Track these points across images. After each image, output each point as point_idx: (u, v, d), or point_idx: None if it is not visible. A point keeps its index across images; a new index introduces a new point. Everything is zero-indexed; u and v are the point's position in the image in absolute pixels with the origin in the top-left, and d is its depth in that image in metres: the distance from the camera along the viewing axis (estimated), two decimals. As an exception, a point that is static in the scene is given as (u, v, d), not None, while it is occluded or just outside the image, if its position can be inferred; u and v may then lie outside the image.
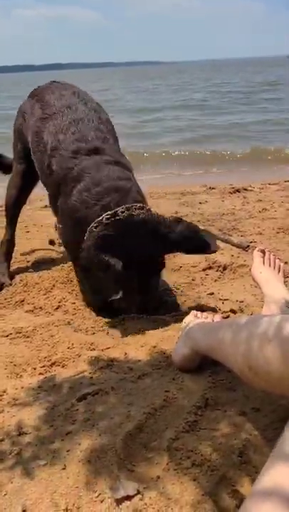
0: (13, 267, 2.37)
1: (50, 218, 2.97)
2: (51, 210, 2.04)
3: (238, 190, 4.01)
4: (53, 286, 2.04)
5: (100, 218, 1.67)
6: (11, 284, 2.13)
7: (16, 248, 2.41)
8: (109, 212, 1.66)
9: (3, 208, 2.42)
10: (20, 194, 2.34)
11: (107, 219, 1.66)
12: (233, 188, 4.08)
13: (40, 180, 2.15)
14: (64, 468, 1.01)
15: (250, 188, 4.10)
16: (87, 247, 1.67)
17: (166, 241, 1.69)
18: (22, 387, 1.32)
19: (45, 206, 3.70)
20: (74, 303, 1.93)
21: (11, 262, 2.36)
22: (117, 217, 1.65)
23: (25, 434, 1.12)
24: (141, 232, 1.65)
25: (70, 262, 2.24)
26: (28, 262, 2.46)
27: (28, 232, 3.00)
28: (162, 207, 3.52)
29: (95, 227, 1.67)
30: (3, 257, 2.32)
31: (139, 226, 1.65)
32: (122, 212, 1.66)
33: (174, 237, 1.68)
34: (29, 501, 0.95)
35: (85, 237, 1.69)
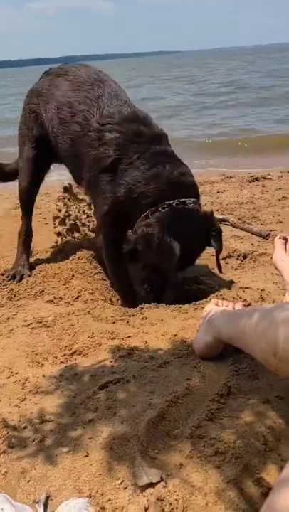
0: (33, 258, 2.37)
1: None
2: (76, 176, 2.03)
3: (256, 179, 3.95)
4: (72, 276, 2.05)
5: (168, 203, 1.74)
6: (30, 275, 2.14)
7: (35, 240, 2.42)
8: (179, 200, 1.74)
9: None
10: (33, 182, 2.27)
11: (177, 204, 1.74)
12: (251, 176, 4.02)
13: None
14: (87, 456, 1.01)
15: (268, 177, 4.03)
16: (147, 227, 1.74)
17: (209, 239, 1.82)
18: (44, 376, 1.33)
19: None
20: (93, 293, 1.93)
21: (32, 253, 2.36)
22: (185, 206, 1.74)
23: (48, 421, 1.13)
24: (198, 225, 1.77)
25: (88, 253, 2.24)
26: (47, 253, 2.47)
27: (46, 223, 3.00)
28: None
29: (162, 208, 1.74)
30: (22, 247, 2.31)
31: (199, 219, 1.77)
32: (190, 203, 1.76)
33: (214, 236, 1.82)
34: (53, 488, 0.95)
35: (143, 218, 1.77)
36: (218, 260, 1.90)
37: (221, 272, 1.93)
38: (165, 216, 1.73)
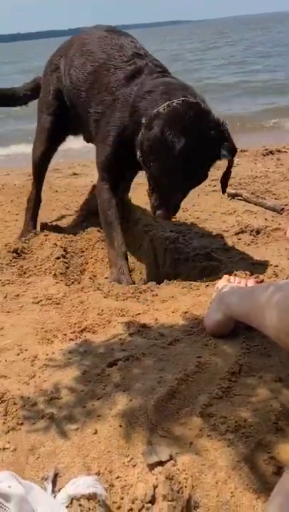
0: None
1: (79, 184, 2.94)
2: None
3: (271, 152, 3.84)
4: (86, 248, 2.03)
5: (169, 103, 1.65)
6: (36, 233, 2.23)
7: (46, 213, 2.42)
8: (188, 96, 1.66)
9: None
10: (50, 149, 2.30)
11: (184, 100, 1.65)
12: (266, 150, 3.91)
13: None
14: (96, 433, 1.00)
15: (284, 150, 3.92)
16: (150, 128, 1.64)
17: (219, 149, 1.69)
18: (53, 353, 1.32)
19: (74, 174, 3.67)
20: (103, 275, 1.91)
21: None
22: (195, 102, 1.66)
23: (57, 398, 1.12)
24: (208, 127, 1.66)
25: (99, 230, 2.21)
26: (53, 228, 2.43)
27: (57, 199, 2.97)
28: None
29: (164, 109, 1.65)
30: (29, 214, 2.37)
31: (210, 120, 1.67)
32: (201, 101, 1.68)
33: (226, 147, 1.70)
34: (61, 465, 0.95)
35: (146, 121, 1.68)
36: (225, 178, 1.84)
37: (224, 192, 1.90)
38: (171, 110, 1.63)
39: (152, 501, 0.86)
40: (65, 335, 1.42)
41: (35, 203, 2.38)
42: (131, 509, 0.86)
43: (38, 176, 2.39)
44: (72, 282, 1.85)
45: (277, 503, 0.66)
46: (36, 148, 2.33)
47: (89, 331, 1.43)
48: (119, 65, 1.88)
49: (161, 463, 0.91)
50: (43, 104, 2.27)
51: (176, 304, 1.55)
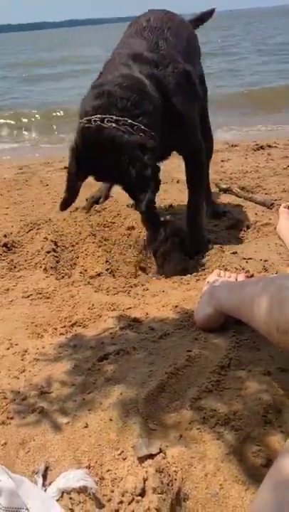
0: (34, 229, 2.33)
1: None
2: None
3: (261, 147, 3.85)
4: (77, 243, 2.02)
5: (88, 118, 1.54)
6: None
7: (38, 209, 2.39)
8: (97, 117, 1.52)
9: None
10: None
11: (92, 121, 1.53)
12: (256, 144, 3.92)
13: None
14: (86, 427, 1.01)
15: (274, 145, 3.93)
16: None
17: (128, 177, 1.54)
18: (43, 347, 1.32)
19: (65, 167, 3.64)
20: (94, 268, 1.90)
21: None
22: (100, 126, 1.52)
23: (47, 393, 1.12)
24: (107, 153, 1.54)
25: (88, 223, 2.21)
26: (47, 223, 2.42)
27: (49, 193, 2.95)
28: (183, 166, 3.42)
29: (82, 124, 1.56)
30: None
31: (120, 147, 1.52)
32: (111, 121, 1.52)
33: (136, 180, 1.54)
34: (52, 458, 0.95)
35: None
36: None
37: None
38: (77, 137, 1.57)
39: (142, 494, 0.87)
40: (55, 329, 1.42)
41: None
42: (121, 502, 0.87)
43: None
44: (63, 276, 1.84)
45: (270, 485, 0.66)
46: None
47: (79, 325, 1.43)
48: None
49: (151, 456, 0.91)
50: None
51: (166, 298, 1.56)
